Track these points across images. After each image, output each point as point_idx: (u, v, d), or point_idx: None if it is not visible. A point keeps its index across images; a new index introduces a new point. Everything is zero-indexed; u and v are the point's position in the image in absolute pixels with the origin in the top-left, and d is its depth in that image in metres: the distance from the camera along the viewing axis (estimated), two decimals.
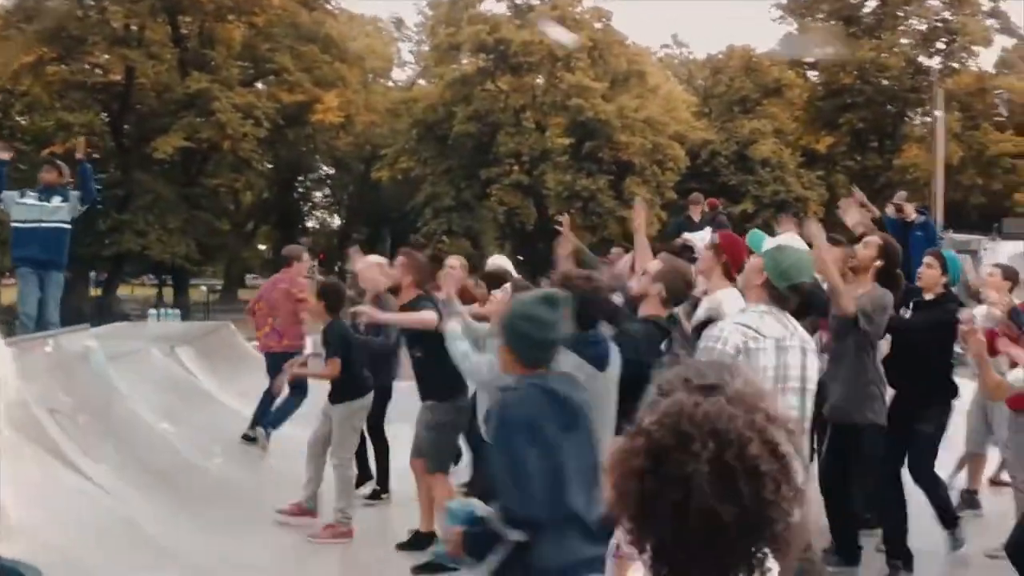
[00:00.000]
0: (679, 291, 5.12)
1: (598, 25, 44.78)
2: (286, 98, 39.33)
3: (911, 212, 9.58)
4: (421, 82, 52.59)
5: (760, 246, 4.54)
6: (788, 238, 4.81)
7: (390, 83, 54.82)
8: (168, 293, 43.29)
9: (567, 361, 3.65)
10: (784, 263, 3.95)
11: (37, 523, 5.32)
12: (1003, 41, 48.20)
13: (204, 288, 47.95)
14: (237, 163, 39.59)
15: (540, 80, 43.94)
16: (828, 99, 46.68)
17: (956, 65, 46.99)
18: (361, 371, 7.20)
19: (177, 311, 24.38)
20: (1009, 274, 6.87)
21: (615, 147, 41.35)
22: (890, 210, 9.75)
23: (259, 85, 42.23)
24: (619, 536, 3.49)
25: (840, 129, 46.66)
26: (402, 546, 6.70)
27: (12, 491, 5.51)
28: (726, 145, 44.89)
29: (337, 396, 7.10)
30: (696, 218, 12.26)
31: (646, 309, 5.09)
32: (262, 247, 55.26)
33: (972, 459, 7.75)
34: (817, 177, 45.33)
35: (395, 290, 7.03)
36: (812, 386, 3.90)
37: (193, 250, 37.76)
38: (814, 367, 3.95)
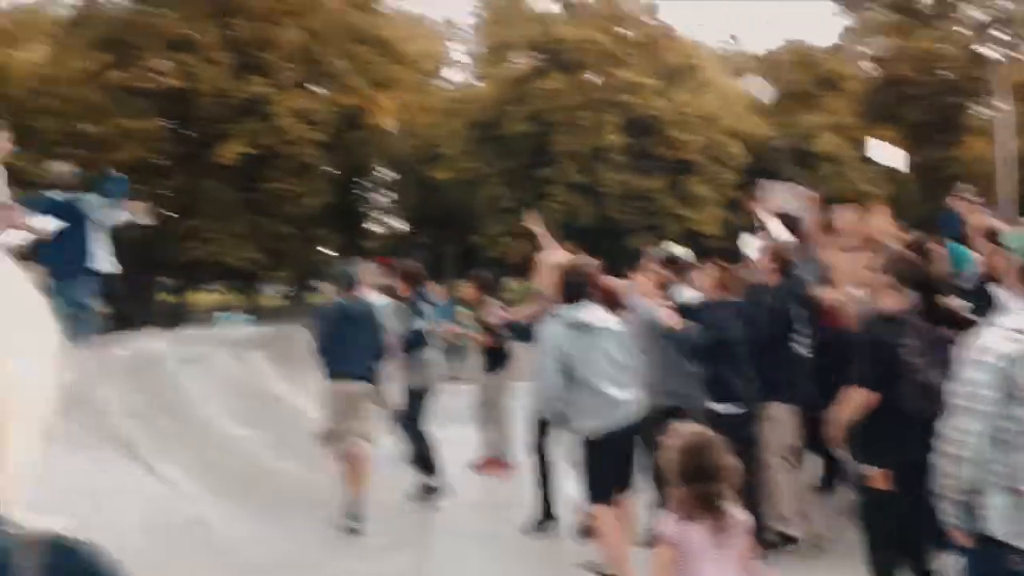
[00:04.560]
0: (905, 276, 5.04)
1: (650, 20, 44.27)
2: (343, 101, 39.28)
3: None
4: (474, 82, 52.46)
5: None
6: None
7: (443, 84, 54.68)
8: (239, 299, 43.41)
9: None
10: None
11: (106, 520, 5.31)
12: None
13: (274, 293, 48.17)
14: (298, 168, 39.49)
15: (594, 78, 43.56)
16: (885, 91, 45.90)
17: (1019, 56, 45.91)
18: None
19: (249, 316, 24.55)
20: None
21: (671, 144, 40.80)
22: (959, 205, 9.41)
23: (315, 88, 42.26)
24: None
25: (900, 122, 45.73)
26: None
27: (88, 489, 5.53)
28: (785, 140, 44.18)
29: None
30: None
31: (887, 303, 5.02)
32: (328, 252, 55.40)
33: None
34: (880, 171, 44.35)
35: None
36: None
37: (262, 255, 37.87)
38: None
